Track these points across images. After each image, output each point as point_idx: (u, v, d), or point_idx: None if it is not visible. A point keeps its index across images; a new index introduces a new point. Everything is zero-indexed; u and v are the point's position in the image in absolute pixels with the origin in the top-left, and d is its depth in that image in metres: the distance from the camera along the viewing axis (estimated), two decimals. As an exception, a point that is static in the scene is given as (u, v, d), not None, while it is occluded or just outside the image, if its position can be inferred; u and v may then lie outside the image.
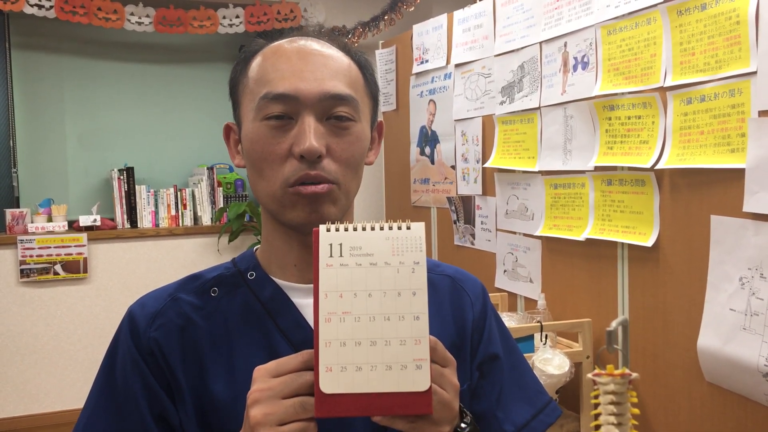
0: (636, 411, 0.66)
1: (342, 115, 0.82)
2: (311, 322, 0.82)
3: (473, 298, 0.95)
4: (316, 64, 0.82)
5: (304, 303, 0.85)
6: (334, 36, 0.90)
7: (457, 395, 0.69)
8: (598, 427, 0.65)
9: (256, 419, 0.65)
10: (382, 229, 0.68)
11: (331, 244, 0.67)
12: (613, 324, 1.78)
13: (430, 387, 0.65)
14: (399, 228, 0.68)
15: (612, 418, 0.64)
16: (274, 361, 0.68)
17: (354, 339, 0.65)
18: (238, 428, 0.71)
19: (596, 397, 0.65)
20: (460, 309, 0.93)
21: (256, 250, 0.92)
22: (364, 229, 0.68)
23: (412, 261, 0.67)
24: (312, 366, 0.66)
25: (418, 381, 0.64)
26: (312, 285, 0.69)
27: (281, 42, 0.86)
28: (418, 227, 0.68)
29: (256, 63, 0.85)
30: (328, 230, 0.68)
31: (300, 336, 0.83)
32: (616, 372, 0.66)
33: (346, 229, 0.68)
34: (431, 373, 0.65)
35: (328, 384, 0.64)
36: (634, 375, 0.66)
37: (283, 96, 0.80)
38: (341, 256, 0.67)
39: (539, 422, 0.94)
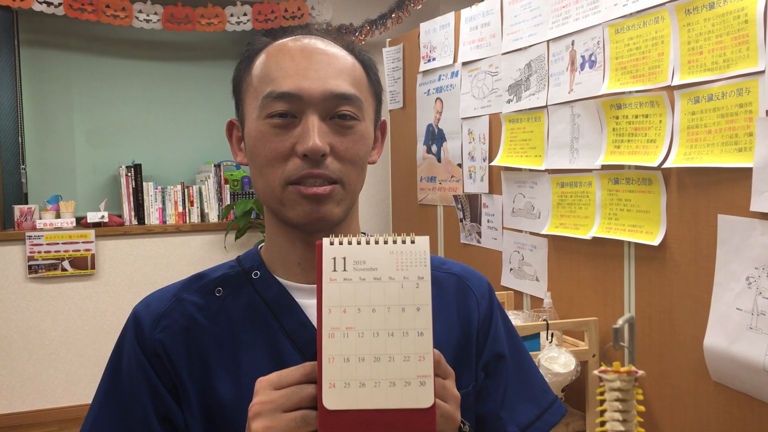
0: (641, 408, 0.66)
1: (346, 114, 0.81)
2: (315, 322, 0.81)
3: (479, 296, 0.94)
4: (320, 63, 0.82)
5: (308, 303, 0.84)
6: (339, 34, 0.90)
7: (458, 406, 0.69)
8: (603, 423, 0.65)
9: None
10: (386, 242, 0.67)
11: (334, 258, 0.66)
12: (620, 321, 1.77)
13: (434, 403, 0.64)
14: (403, 242, 0.67)
15: (617, 415, 0.64)
16: (276, 372, 0.68)
17: (357, 355, 0.64)
18: (243, 429, 0.71)
19: (602, 393, 0.65)
20: (466, 308, 0.92)
21: (261, 248, 0.91)
22: (368, 242, 0.67)
23: (416, 276, 0.66)
24: (314, 379, 0.66)
25: (422, 398, 0.64)
26: (315, 285, 0.68)
27: (285, 40, 0.85)
28: (423, 241, 0.67)
29: (260, 61, 0.84)
30: (332, 243, 0.67)
31: (304, 337, 0.82)
32: (623, 369, 0.66)
33: (349, 243, 0.67)
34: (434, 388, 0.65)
35: (332, 400, 0.63)
36: (641, 372, 0.66)
37: (286, 95, 0.79)
38: (345, 270, 0.66)
39: (544, 422, 0.93)
